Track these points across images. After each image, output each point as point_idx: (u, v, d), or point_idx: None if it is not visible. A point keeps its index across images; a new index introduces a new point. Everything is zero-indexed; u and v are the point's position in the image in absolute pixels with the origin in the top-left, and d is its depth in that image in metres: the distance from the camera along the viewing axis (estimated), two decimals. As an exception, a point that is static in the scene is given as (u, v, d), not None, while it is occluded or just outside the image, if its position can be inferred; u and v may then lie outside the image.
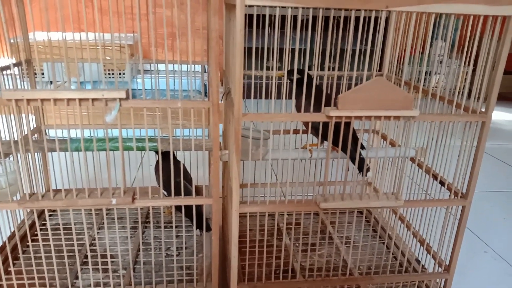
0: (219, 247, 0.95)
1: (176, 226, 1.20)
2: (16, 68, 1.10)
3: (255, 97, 1.07)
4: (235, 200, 0.86)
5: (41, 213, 1.26)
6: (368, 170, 0.96)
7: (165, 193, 1.07)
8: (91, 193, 0.84)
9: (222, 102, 1.14)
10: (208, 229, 1.06)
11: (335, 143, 0.92)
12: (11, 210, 0.86)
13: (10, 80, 0.96)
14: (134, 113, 0.81)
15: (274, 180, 1.73)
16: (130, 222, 1.25)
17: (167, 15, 0.76)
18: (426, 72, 0.93)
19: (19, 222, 1.18)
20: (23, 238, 1.12)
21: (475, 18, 0.83)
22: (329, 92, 0.95)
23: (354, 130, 0.93)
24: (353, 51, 0.83)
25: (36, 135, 1.19)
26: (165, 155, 1.05)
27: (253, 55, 1.06)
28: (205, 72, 1.32)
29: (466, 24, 0.85)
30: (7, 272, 0.98)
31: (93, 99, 0.76)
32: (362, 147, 0.98)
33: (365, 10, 0.77)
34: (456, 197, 0.96)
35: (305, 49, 0.82)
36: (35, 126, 1.18)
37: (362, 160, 0.94)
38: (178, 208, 1.06)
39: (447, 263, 1.02)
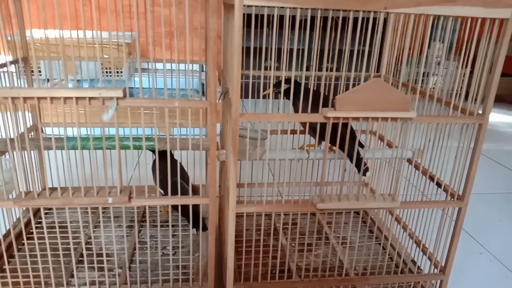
0: (215, 247, 0.95)
1: (173, 225, 1.20)
2: (12, 66, 1.09)
3: (252, 97, 1.07)
4: (232, 200, 0.86)
5: (36, 211, 1.25)
6: (367, 170, 0.96)
7: (162, 192, 1.07)
8: (87, 191, 0.83)
9: (220, 101, 1.14)
10: (205, 228, 1.06)
11: (332, 143, 0.92)
12: (6, 208, 0.86)
13: (6, 78, 0.95)
14: (131, 112, 0.81)
15: (271, 180, 1.73)
16: (126, 221, 1.25)
17: (165, 14, 0.76)
18: (423, 73, 0.93)
19: (14, 220, 1.18)
20: (19, 236, 1.12)
21: (473, 20, 0.83)
22: (326, 93, 0.95)
23: (352, 129, 0.93)
24: (351, 52, 0.83)
25: (32, 133, 1.18)
26: (162, 154, 1.05)
27: (251, 55, 1.06)
28: (203, 71, 1.32)
29: (464, 26, 0.85)
30: (2, 270, 0.98)
31: (90, 98, 0.76)
32: (361, 145, 0.98)
33: (364, 11, 0.77)
34: (452, 199, 0.96)
35: (303, 49, 0.82)
36: (31, 124, 1.18)
37: (360, 159, 0.94)
38: (174, 207, 1.06)
39: (443, 265, 1.02)
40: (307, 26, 0.87)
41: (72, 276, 0.98)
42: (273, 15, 0.79)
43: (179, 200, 0.89)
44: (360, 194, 0.89)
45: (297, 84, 0.92)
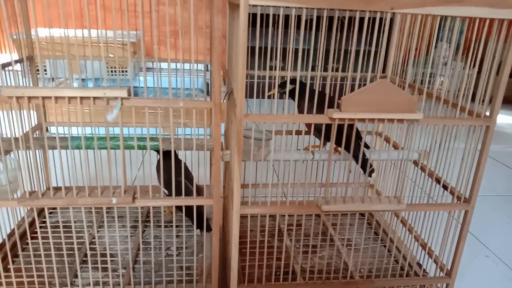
0: (219, 248, 0.95)
1: (177, 226, 1.20)
2: (18, 65, 1.09)
3: (257, 97, 1.06)
4: (236, 202, 0.85)
5: (41, 211, 1.25)
6: (372, 171, 0.95)
7: (166, 191, 1.07)
8: (91, 191, 0.83)
9: (225, 101, 1.13)
10: (209, 229, 1.06)
11: (338, 144, 0.91)
12: (11, 207, 0.86)
13: (12, 77, 0.95)
14: (136, 111, 0.80)
15: (275, 180, 1.72)
16: (130, 221, 1.25)
17: (170, 13, 0.76)
18: (430, 74, 0.92)
19: (19, 219, 1.18)
20: (23, 235, 1.12)
21: (481, 21, 0.82)
22: (331, 94, 0.94)
23: (357, 129, 0.93)
24: (357, 52, 0.83)
25: (37, 132, 1.18)
26: (167, 154, 1.04)
27: (256, 54, 1.06)
28: (207, 70, 1.31)
29: (472, 27, 0.84)
30: (6, 270, 0.98)
31: (94, 98, 0.76)
32: (367, 146, 0.97)
33: (370, 11, 0.76)
34: (459, 202, 0.95)
35: (308, 49, 0.81)
36: (36, 123, 1.18)
37: (365, 160, 0.93)
38: (179, 207, 1.06)
39: (449, 268, 1.01)
40: (313, 26, 0.87)
41: (76, 276, 0.98)
42: (278, 15, 0.78)
43: (183, 201, 0.88)
44: (366, 196, 0.88)
45: (302, 85, 0.91)
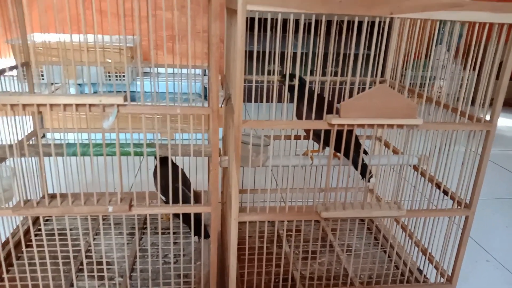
0: (217, 255, 0.94)
1: (174, 233, 1.18)
2: (14, 71, 1.08)
3: (255, 101, 1.05)
4: (235, 209, 0.84)
5: (36, 219, 1.24)
6: (371, 176, 0.94)
7: (163, 198, 1.05)
8: (87, 200, 0.82)
9: (222, 107, 1.12)
10: (207, 236, 1.04)
11: (337, 150, 0.90)
12: (5, 216, 0.84)
13: (7, 83, 0.94)
14: (133, 117, 0.79)
15: (274, 185, 1.71)
16: (127, 228, 1.23)
17: (167, 18, 0.75)
18: (429, 77, 0.92)
19: (14, 227, 1.16)
20: (18, 244, 1.10)
21: (481, 25, 0.81)
22: (330, 98, 0.93)
23: (356, 137, 0.92)
24: (355, 56, 0.82)
25: (33, 139, 1.17)
26: (164, 159, 1.03)
27: (254, 59, 1.05)
28: (205, 75, 1.31)
29: (471, 30, 0.83)
30: (1, 279, 0.96)
31: (90, 105, 0.74)
32: (365, 153, 0.96)
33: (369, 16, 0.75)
34: (459, 207, 0.94)
35: (306, 53, 0.80)
36: (32, 129, 1.17)
37: (364, 166, 0.92)
38: (176, 214, 1.05)
39: (450, 274, 1.00)
40: (311, 30, 0.86)
41: (72, 285, 0.97)
42: (276, 19, 0.77)
43: (181, 209, 0.87)
44: (365, 202, 0.87)
45: (302, 85, 0.90)
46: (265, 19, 0.79)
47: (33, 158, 1.15)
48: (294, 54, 0.80)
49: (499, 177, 2.14)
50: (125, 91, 0.77)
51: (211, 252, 0.92)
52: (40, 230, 1.18)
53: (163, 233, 1.20)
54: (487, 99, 0.86)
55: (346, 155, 0.86)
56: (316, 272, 1.07)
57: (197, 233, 1.05)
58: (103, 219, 1.26)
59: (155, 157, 1.10)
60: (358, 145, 0.94)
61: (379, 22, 0.78)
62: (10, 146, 0.79)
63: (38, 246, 1.05)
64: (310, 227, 1.16)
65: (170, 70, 1.67)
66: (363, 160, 0.92)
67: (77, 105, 0.74)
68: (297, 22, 0.77)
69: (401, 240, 1.14)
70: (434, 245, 1.01)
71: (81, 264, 1.04)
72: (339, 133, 0.82)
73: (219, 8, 0.76)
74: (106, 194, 0.82)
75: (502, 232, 1.58)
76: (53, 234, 1.13)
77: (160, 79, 2.43)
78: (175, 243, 1.15)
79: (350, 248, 1.18)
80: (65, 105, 0.74)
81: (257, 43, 0.83)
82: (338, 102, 0.82)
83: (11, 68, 0.99)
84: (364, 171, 0.93)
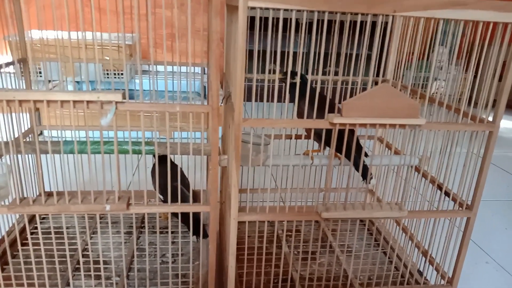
0: (216, 254, 0.92)
1: (172, 232, 1.17)
2: (11, 67, 1.07)
3: (255, 100, 1.04)
4: (234, 208, 0.83)
5: (32, 217, 1.22)
6: (371, 177, 0.93)
7: (161, 197, 1.04)
8: (84, 198, 0.81)
9: (222, 105, 1.11)
10: (205, 235, 1.03)
11: (338, 151, 0.89)
12: (1, 214, 0.83)
13: (4, 80, 0.93)
14: (132, 115, 0.78)
15: (273, 185, 1.70)
16: (124, 227, 1.22)
17: (167, 16, 0.73)
18: (430, 78, 0.91)
19: (10, 225, 1.15)
20: (13, 242, 1.09)
21: (483, 25, 0.80)
22: (331, 98, 0.92)
23: (357, 138, 0.91)
24: (356, 56, 0.81)
25: (30, 136, 1.16)
26: (162, 158, 1.02)
27: (254, 58, 1.04)
28: (205, 74, 1.29)
29: (475, 30, 0.82)
30: (-4, 278, 0.95)
31: (88, 101, 0.73)
32: (365, 155, 0.95)
33: (373, 15, 0.74)
34: (461, 208, 0.93)
35: (307, 53, 0.79)
36: (30, 126, 1.15)
37: (365, 168, 0.91)
38: (174, 213, 1.03)
39: (450, 275, 0.99)
40: (312, 29, 0.85)
41: (68, 284, 0.95)
42: (277, 18, 0.76)
43: (179, 208, 0.86)
44: (366, 202, 0.86)
45: (304, 83, 0.88)
46: (266, 18, 0.78)
47: (29, 155, 1.14)
48: (295, 54, 0.79)
49: (498, 179, 2.13)
50: (123, 89, 0.75)
51: (209, 252, 0.91)
52: (36, 228, 1.17)
53: (161, 233, 1.19)
54: (490, 100, 0.85)
55: (347, 156, 0.85)
56: (315, 273, 1.06)
57: (196, 232, 1.04)
58: (101, 218, 1.25)
59: (154, 155, 1.09)
60: (359, 146, 0.93)
61: (381, 23, 0.77)
62: (6, 143, 0.78)
63: (34, 244, 1.04)
64: (310, 228, 1.15)
65: (169, 68, 1.66)
66: (364, 161, 0.91)
67: (74, 101, 0.73)
68: (297, 22, 0.76)
69: (402, 242, 1.13)
70: (435, 247, 1.00)
71: (78, 263, 1.02)
72: (340, 132, 0.81)
73: (220, 4, 0.75)
74: (104, 192, 0.81)
75: (502, 234, 1.57)
76: (50, 233, 1.12)
77: (159, 77, 2.42)
78: (173, 242, 1.14)
79: (350, 249, 1.17)
80: (62, 102, 0.73)
81: (258, 42, 0.82)
82: (340, 102, 0.81)
83: (7, 64, 0.98)
84: (365, 172, 0.92)
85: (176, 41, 0.81)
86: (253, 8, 0.72)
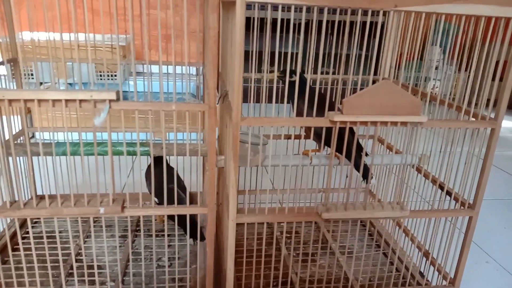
0: (214, 257, 0.90)
1: (168, 235, 1.14)
2: (2, 69, 1.04)
3: (253, 101, 1.02)
4: (232, 210, 0.81)
5: (24, 221, 1.19)
6: (371, 177, 0.92)
7: (157, 200, 1.02)
8: (77, 201, 0.78)
9: (218, 105, 1.09)
10: (202, 238, 1.01)
11: (338, 151, 0.87)
12: (-10, 218, 0.80)
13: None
14: (126, 116, 0.76)
15: (270, 186, 1.68)
16: (119, 230, 1.19)
17: (161, 17, 0.71)
18: (426, 77, 0.89)
19: (0, 230, 1.12)
20: (4, 247, 1.05)
21: (485, 21, 0.79)
22: (328, 96, 0.90)
23: (357, 139, 0.89)
24: (352, 55, 0.79)
25: (21, 138, 1.13)
26: (157, 160, 0.99)
27: (250, 58, 1.02)
28: (199, 74, 1.27)
29: (474, 28, 0.81)
30: (-13, 284, 0.92)
31: (80, 100, 0.71)
32: (366, 154, 0.94)
33: (368, 15, 0.72)
34: (463, 207, 0.91)
35: (304, 53, 0.77)
36: (21, 128, 1.12)
37: (366, 168, 0.90)
38: (170, 216, 1.01)
39: (452, 276, 0.97)
40: (312, 29, 0.83)
41: (61, 290, 0.93)
42: (275, 18, 0.74)
43: (176, 210, 0.84)
44: (367, 203, 0.85)
45: (302, 82, 0.86)
46: (262, 19, 0.76)
47: (21, 158, 1.11)
48: (292, 54, 0.78)
49: (496, 178, 2.13)
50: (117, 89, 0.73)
51: (207, 255, 0.88)
52: (28, 233, 1.14)
53: (157, 236, 1.16)
54: (491, 98, 0.84)
55: (348, 155, 0.83)
56: (315, 275, 1.03)
57: (193, 235, 1.01)
58: (94, 221, 1.22)
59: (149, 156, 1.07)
60: (359, 146, 0.91)
61: (382, 23, 0.76)
62: (-4, 144, 0.75)
63: (25, 249, 1.01)
64: (309, 229, 1.13)
65: (164, 69, 1.64)
66: (364, 161, 0.89)
67: (66, 100, 0.70)
68: (294, 22, 0.74)
69: (403, 243, 1.11)
70: (435, 246, 0.98)
71: (71, 268, 1.00)
72: (341, 133, 0.79)
73: (216, 2, 0.73)
74: (98, 195, 0.79)
75: (501, 233, 1.56)
76: (42, 237, 1.09)
77: (154, 78, 2.39)
78: (169, 245, 1.11)
79: (350, 251, 1.15)
80: (54, 101, 0.70)
81: (254, 43, 0.80)
82: (338, 101, 0.79)
83: (-2, 64, 0.95)
84: (366, 173, 0.90)
85: (171, 42, 0.79)
86: (249, 8, 0.70)
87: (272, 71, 0.95)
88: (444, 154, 0.91)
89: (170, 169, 0.98)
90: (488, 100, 0.85)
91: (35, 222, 1.21)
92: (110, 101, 0.71)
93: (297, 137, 1.12)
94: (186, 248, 1.09)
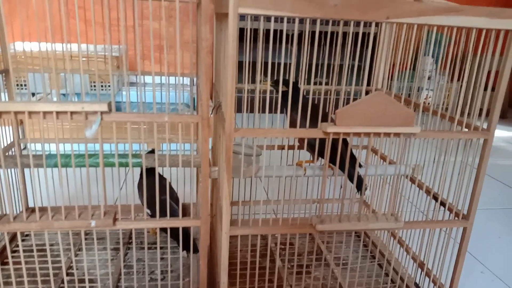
0: (207, 270, 0.89)
1: (161, 248, 1.13)
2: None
3: (246, 111, 1.02)
4: (226, 222, 0.80)
5: (14, 235, 1.17)
6: (365, 188, 0.91)
7: (149, 212, 1.01)
8: (68, 214, 0.77)
9: (212, 116, 1.08)
10: (196, 250, 1.00)
11: (332, 162, 0.87)
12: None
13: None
14: (118, 127, 0.75)
15: (265, 197, 1.67)
16: (111, 243, 1.17)
17: (154, 28, 0.71)
18: (419, 87, 0.90)
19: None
20: (-6, 261, 1.04)
21: (476, 32, 0.80)
22: (323, 108, 0.90)
23: (351, 150, 0.89)
24: (346, 66, 0.79)
25: (13, 150, 1.11)
26: (150, 171, 0.98)
27: (243, 69, 1.02)
28: (193, 85, 1.27)
29: (466, 39, 0.82)
30: (-25, 300, 0.90)
31: (72, 112, 0.70)
32: (359, 165, 0.93)
33: (364, 26, 0.73)
34: (457, 218, 0.91)
35: (298, 63, 0.78)
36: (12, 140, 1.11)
37: (360, 179, 0.89)
38: (163, 229, 1.00)
39: (447, 287, 0.97)
40: (303, 40, 0.83)
41: (52, 305, 0.91)
42: (268, 29, 0.74)
43: (169, 223, 0.83)
44: (362, 214, 0.84)
45: (296, 91, 0.86)
46: (255, 30, 0.76)
47: (12, 170, 1.09)
48: (286, 65, 0.78)
49: (490, 187, 2.13)
50: (110, 101, 0.72)
51: (200, 268, 0.87)
52: (18, 246, 1.12)
53: (149, 248, 1.14)
54: (484, 108, 0.85)
55: (341, 167, 0.83)
56: (310, 287, 1.02)
57: (186, 248, 1.00)
58: (86, 234, 1.20)
59: (141, 168, 1.06)
60: (353, 157, 0.91)
61: (375, 34, 0.76)
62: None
63: (15, 263, 0.99)
64: (303, 240, 1.12)
65: (157, 79, 1.64)
66: (358, 172, 0.89)
67: (57, 112, 0.69)
68: (287, 34, 0.74)
69: (397, 254, 1.10)
70: (428, 257, 0.98)
71: (62, 282, 0.98)
72: (333, 143, 0.79)
73: (209, 10, 0.73)
74: (89, 207, 0.78)
75: (495, 243, 1.56)
76: (32, 250, 1.07)
77: (147, 89, 2.39)
78: (162, 258, 1.10)
79: (345, 262, 1.14)
80: (45, 113, 0.69)
81: (247, 53, 0.80)
82: (333, 112, 0.79)
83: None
84: (360, 184, 0.90)
85: (164, 52, 0.79)
86: (242, 19, 0.70)
87: (265, 81, 0.95)
88: (437, 164, 0.91)
89: (162, 180, 0.97)
90: (481, 110, 0.86)
91: (27, 235, 1.19)
92: (102, 113, 0.70)
93: (291, 147, 1.11)
94: (179, 261, 1.08)
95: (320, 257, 1.16)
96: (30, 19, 0.71)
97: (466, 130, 0.86)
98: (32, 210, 0.78)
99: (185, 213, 0.89)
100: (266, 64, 0.85)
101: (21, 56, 1.92)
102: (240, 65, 0.92)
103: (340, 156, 0.80)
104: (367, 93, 1.21)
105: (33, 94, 2.03)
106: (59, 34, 0.75)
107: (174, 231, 0.96)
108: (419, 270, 1.02)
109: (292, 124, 0.90)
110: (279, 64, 0.82)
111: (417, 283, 1.03)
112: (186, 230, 0.98)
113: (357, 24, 0.73)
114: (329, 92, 1.16)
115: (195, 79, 1.14)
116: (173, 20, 0.78)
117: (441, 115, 0.89)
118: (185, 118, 0.77)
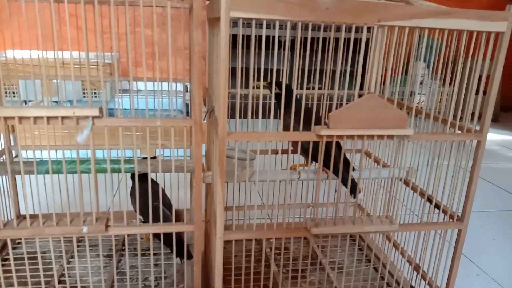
0: (201, 276, 0.88)
1: (155, 254, 1.12)
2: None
3: (239, 117, 1.01)
4: (220, 227, 0.79)
5: (4, 243, 1.16)
6: (359, 191, 0.91)
7: (142, 218, 1.00)
8: (59, 220, 0.76)
9: (205, 121, 1.08)
10: (190, 257, 0.99)
11: (325, 166, 0.86)
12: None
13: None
14: (111, 133, 0.74)
15: (258, 201, 1.66)
16: (104, 250, 1.16)
17: (148, 35, 0.71)
18: (411, 92, 0.90)
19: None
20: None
21: (467, 35, 0.80)
22: (317, 112, 0.90)
23: (345, 154, 0.89)
24: (339, 72, 0.80)
25: (3, 157, 1.10)
26: (142, 177, 0.98)
27: (236, 74, 1.02)
28: (187, 91, 1.27)
29: (457, 43, 0.82)
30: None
31: (63, 117, 0.69)
32: (353, 169, 0.93)
33: (355, 32, 0.73)
34: (452, 220, 0.91)
35: (291, 69, 0.78)
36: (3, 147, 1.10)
37: (354, 183, 0.89)
38: (156, 235, 0.99)
39: (443, 290, 0.96)
40: (295, 46, 0.83)
41: (43, 314, 0.89)
42: (259, 36, 0.74)
43: (162, 228, 0.82)
44: (356, 217, 0.84)
45: (289, 93, 0.86)
46: (248, 36, 0.76)
47: (3, 177, 1.08)
48: (278, 71, 0.78)
49: (484, 190, 2.14)
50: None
51: (194, 274, 0.86)
52: (8, 254, 1.10)
53: (143, 255, 1.13)
54: (476, 111, 0.85)
55: (335, 171, 0.83)
56: (305, 292, 1.02)
57: (179, 254, 0.99)
58: (78, 241, 1.19)
59: (132, 176, 1.05)
60: (346, 161, 0.91)
61: (367, 39, 0.77)
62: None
63: (6, 271, 0.97)
64: (298, 245, 1.12)
65: (150, 86, 1.63)
66: (351, 176, 0.89)
67: (48, 117, 0.69)
68: (280, 39, 0.74)
69: (393, 257, 1.10)
70: (426, 261, 0.98)
71: (54, 290, 0.96)
72: (327, 147, 0.79)
73: (202, 15, 0.73)
74: (81, 213, 0.77)
75: (490, 245, 1.57)
76: (23, 258, 1.06)
77: (140, 96, 2.38)
78: (156, 265, 1.08)
79: (340, 266, 1.14)
80: (35, 118, 0.68)
81: (239, 59, 0.80)
82: (325, 116, 0.79)
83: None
84: (354, 189, 0.89)
85: (156, 59, 0.79)
86: (235, 26, 0.70)
87: (265, 80, 0.95)
88: (431, 167, 0.91)
89: (155, 186, 0.97)
90: (473, 113, 0.86)
91: (18, 243, 1.18)
92: (93, 117, 0.70)
93: (285, 151, 1.11)
94: (173, 267, 1.06)
95: (316, 262, 1.15)
96: (21, 27, 0.71)
97: (459, 132, 0.86)
98: (23, 217, 0.77)
99: (179, 219, 0.89)
100: (259, 70, 0.85)
101: (12, 64, 1.91)
102: (233, 71, 0.92)
103: (334, 159, 0.80)
104: (360, 97, 1.21)
105: (25, 102, 2.02)
106: (51, 41, 0.74)
107: (168, 237, 0.95)
108: (415, 273, 1.02)
109: (286, 129, 0.90)
110: (271, 70, 0.82)
111: (413, 286, 1.03)
112: (179, 237, 0.97)
113: (349, 29, 0.73)
114: (322, 96, 1.16)
115: (188, 85, 1.14)
116: (166, 27, 0.78)
117: (434, 118, 0.89)
118: (178, 122, 0.77)
